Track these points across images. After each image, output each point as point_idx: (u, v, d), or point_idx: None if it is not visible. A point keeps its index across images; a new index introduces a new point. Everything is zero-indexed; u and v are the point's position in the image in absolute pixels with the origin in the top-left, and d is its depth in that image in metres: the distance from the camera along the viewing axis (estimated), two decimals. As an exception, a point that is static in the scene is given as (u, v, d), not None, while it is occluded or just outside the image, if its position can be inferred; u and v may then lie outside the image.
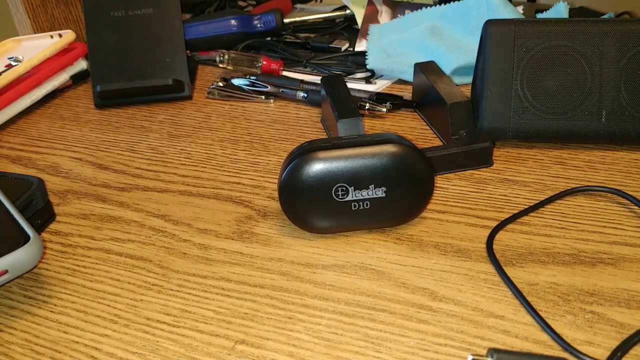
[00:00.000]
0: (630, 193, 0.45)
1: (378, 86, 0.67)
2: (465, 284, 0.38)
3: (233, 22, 0.77)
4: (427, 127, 0.58)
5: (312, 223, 0.42)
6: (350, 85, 0.61)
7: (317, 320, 0.36)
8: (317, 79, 0.66)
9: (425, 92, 0.58)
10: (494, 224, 0.43)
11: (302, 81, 0.65)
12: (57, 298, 0.39)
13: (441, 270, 0.39)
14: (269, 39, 0.79)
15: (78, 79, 0.74)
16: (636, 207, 0.44)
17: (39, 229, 0.46)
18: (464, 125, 0.51)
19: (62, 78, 0.71)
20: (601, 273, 0.38)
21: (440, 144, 0.54)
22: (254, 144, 0.57)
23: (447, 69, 0.62)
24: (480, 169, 0.50)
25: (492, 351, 0.31)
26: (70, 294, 0.39)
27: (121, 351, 0.35)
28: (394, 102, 0.60)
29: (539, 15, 0.72)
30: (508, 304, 0.36)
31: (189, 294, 0.39)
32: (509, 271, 0.38)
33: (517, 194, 0.46)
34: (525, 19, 0.53)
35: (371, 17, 0.76)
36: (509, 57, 0.50)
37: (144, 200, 0.49)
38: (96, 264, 0.42)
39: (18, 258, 0.36)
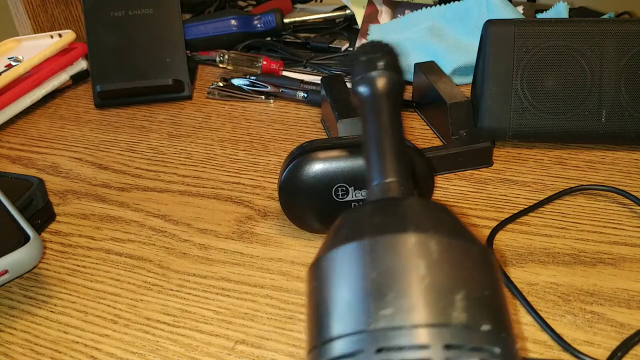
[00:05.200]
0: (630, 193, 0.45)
1: (378, 86, 0.67)
2: (465, 284, 0.38)
3: (233, 22, 0.77)
4: (427, 127, 0.58)
5: (312, 223, 0.42)
6: (350, 85, 0.61)
7: (317, 320, 0.36)
8: (317, 79, 0.66)
9: (425, 92, 0.58)
10: (494, 224, 0.43)
11: (302, 81, 0.65)
12: (57, 298, 0.39)
13: (441, 270, 0.39)
14: (269, 39, 0.79)
15: (78, 79, 0.74)
16: (636, 207, 0.44)
17: (39, 229, 0.46)
18: (464, 125, 0.51)
19: (62, 78, 0.71)
20: (601, 273, 0.38)
21: (440, 144, 0.54)
22: (254, 144, 0.57)
23: (447, 69, 0.62)
24: (480, 169, 0.50)
25: None
26: (70, 294, 0.39)
27: (121, 351, 0.35)
28: (394, 102, 0.60)
29: (539, 15, 0.72)
30: (508, 304, 0.36)
31: (189, 294, 0.39)
32: (509, 271, 0.38)
33: (517, 194, 0.46)
34: (525, 19, 0.53)
35: (371, 17, 0.76)
36: (509, 57, 0.50)
37: (144, 200, 0.49)
38: (96, 264, 0.42)
39: (18, 258, 0.37)
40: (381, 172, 0.26)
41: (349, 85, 0.58)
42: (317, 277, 0.23)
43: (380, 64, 0.30)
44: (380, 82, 0.29)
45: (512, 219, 0.43)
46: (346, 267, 0.22)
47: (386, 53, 0.30)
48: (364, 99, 0.30)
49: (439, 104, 0.53)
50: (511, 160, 0.51)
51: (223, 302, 0.38)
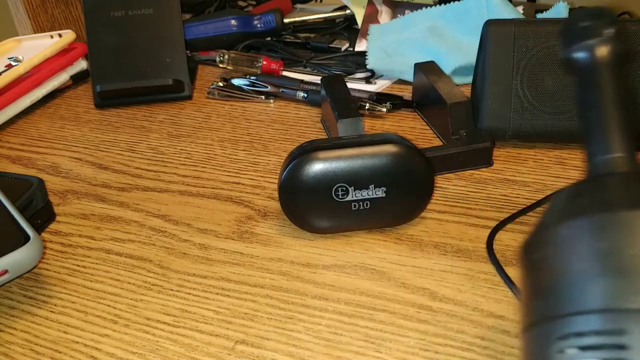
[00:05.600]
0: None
1: (378, 86, 0.67)
2: (465, 284, 0.38)
3: (233, 22, 0.77)
4: (427, 127, 0.58)
5: (312, 223, 0.42)
6: (350, 85, 0.61)
7: (317, 320, 0.36)
8: (317, 79, 0.66)
9: (425, 92, 0.58)
10: (494, 224, 0.43)
11: (302, 81, 0.65)
12: (57, 298, 0.39)
13: (441, 270, 0.39)
14: (269, 39, 0.79)
15: (78, 79, 0.74)
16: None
17: (39, 229, 0.46)
18: (464, 125, 0.51)
19: (62, 78, 0.71)
20: (601, 273, 0.38)
21: (440, 144, 0.54)
22: (254, 144, 0.57)
23: (447, 69, 0.62)
24: (480, 169, 0.50)
25: None
26: (70, 294, 0.39)
27: (121, 351, 0.35)
28: (394, 102, 0.60)
29: (539, 15, 0.72)
30: (508, 304, 0.36)
31: (189, 294, 0.39)
32: (509, 271, 0.38)
33: (517, 194, 0.46)
34: (525, 19, 0.53)
35: (371, 17, 0.76)
36: (509, 57, 0.50)
37: (144, 200, 0.49)
38: (96, 264, 0.42)
39: (18, 258, 0.37)
40: (608, 146, 0.25)
41: (349, 85, 0.58)
42: (554, 244, 0.22)
43: (607, 31, 0.28)
44: (607, 50, 0.28)
45: (512, 218, 0.43)
46: (597, 238, 0.21)
47: (611, 21, 0.29)
48: (586, 67, 0.28)
49: (439, 104, 0.53)
50: (511, 160, 0.51)
51: (223, 302, 0.38)
